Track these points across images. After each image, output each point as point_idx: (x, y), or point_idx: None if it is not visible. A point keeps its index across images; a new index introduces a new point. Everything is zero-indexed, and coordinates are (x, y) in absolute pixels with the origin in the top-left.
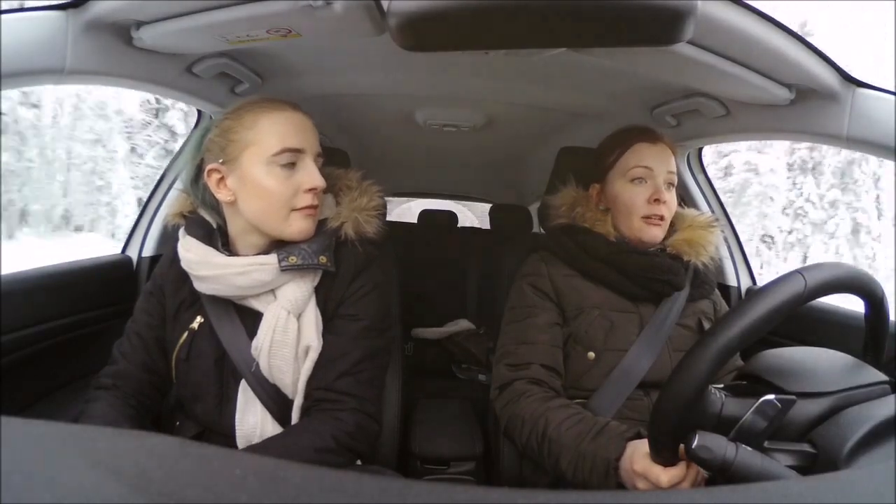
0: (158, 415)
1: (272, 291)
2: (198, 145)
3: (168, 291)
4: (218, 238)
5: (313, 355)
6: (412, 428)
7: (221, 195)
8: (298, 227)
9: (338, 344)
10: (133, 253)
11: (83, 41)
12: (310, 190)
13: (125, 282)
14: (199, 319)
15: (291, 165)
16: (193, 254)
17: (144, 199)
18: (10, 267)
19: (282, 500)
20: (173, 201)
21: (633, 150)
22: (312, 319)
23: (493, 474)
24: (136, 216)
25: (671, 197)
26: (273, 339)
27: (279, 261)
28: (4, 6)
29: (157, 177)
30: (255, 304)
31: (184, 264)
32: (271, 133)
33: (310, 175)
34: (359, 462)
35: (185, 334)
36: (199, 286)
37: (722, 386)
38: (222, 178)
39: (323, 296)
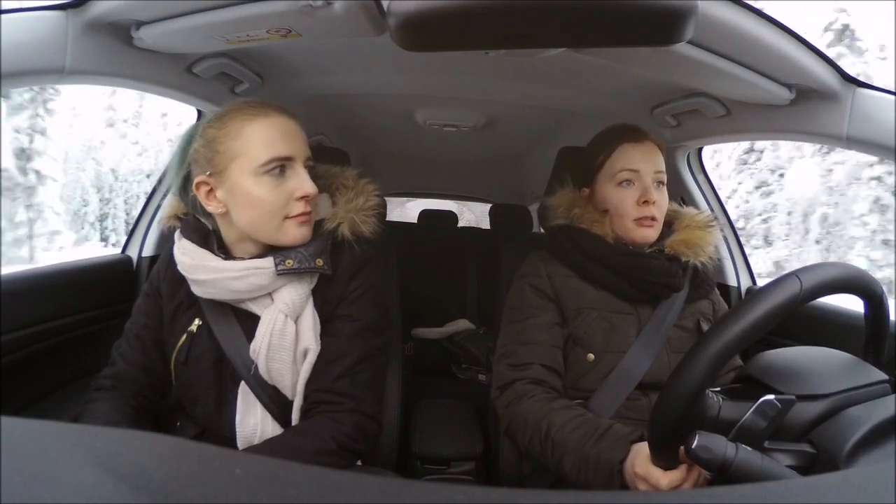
0: (158, 415)
1: (269, 295)
2: (183, 154)
3: (165, 294)
4: (214, 241)
5: (311, 357)
6: (412, 428)
7: (212, 207)
8: (293, 234)
9: (335, 345)
10: (133, 253)
11: (83, 41)
12: (302, 197)
13: (125, 282)
14: (197, 322)
15: (282, 174)
16: (190, 258)
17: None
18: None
19: (282, 500)
20: (167, 204)
21: (619, 153)
22: (310, 322)
23: (493, 474)
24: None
25: (661, 195)
26: (271, 343)
27: (276, 265)
28: (4, 6)
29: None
30: (253, 308)
31: (180, 268)
32: (258, 142)
33: (301, 182)
34: (359, 463)
35: (184, 337)
36: (196, 290)
37: (719, 389)
38: (211, 191)
39: (320, 297)
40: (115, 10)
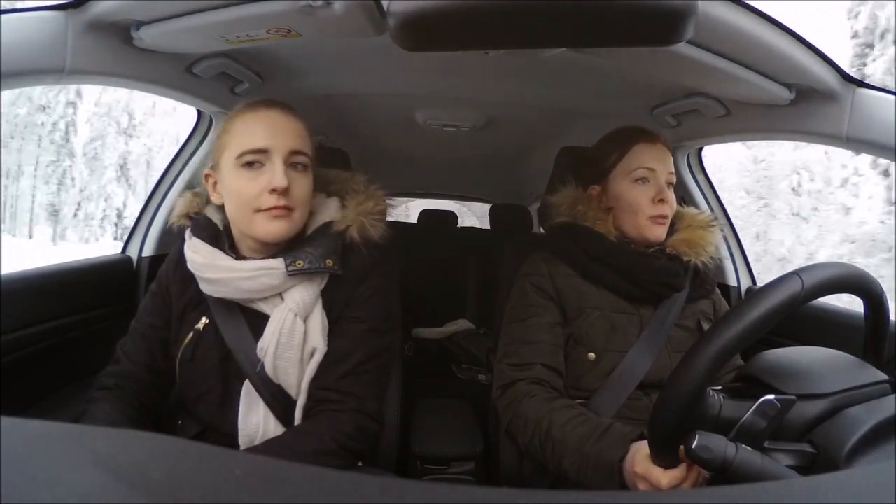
0: (159, 414)
1: (279, 294)
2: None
3: (174, 292)
4: (225, 240)
5: (318, 357)
6: (412, 428)
7: (214, 199)
8: (264, 229)
9: (341, 345)
10: (133, 253)
11: (83, 41)
12: (273, 190)
13: (125, 282)
14: (204, 320)
15: (258, 166)
16: (201, 256)
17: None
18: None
19: (282, 500)
20: (179, 202)
21: (635, 152)
22: (319, 322)
23: (493, 474)
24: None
25: (671, 196)
26: (279, 342)
27: (286, 265)
28: (4, 6)
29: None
30: (263, 307)
31: (190, 266)
32: (238, 134)
33: (272, 175)
34: (360, 464)
35: (191, 335)
36: (206, 288)
37: (720, 388)
38: (215, 183)
39: (329, 298)
40: (115, 10)
